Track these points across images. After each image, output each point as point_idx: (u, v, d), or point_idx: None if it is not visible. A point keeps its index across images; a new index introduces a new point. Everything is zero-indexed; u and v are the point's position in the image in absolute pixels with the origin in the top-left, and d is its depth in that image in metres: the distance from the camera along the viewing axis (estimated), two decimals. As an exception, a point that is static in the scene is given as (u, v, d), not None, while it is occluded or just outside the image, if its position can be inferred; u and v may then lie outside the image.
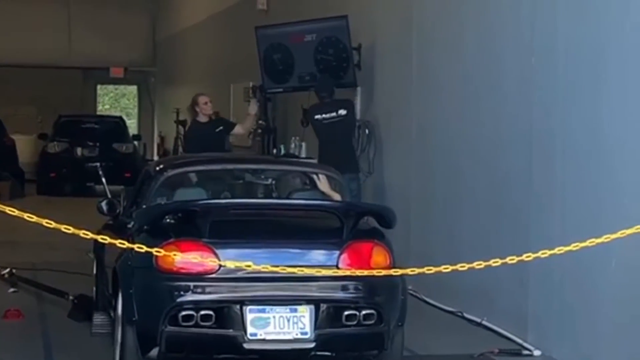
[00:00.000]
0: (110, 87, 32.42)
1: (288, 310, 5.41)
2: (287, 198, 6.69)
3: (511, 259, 4.88)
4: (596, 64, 6.41)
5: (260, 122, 14.07)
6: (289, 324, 5.39)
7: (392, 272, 5.41)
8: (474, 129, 8.16)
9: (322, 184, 6.84)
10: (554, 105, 6.90)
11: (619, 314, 6.11)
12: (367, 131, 10.28)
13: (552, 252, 4.88)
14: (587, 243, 4.85)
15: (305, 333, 5.39)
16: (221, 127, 10.90)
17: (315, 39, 10.77)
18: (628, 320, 6.01)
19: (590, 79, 6.49)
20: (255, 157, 10.80)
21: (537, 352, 6.85)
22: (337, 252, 5.55)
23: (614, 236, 4.83)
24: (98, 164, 10.90)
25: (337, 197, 6.65)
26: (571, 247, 4.86)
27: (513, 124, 7.49)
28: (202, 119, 10.78)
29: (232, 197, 6.78)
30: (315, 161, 9.50)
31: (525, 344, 6.97)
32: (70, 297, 7.89)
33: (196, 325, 5.32)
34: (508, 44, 7.61)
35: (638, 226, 4.82)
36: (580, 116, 6.60)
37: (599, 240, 4.84)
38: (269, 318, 5.38)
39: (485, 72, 7.99)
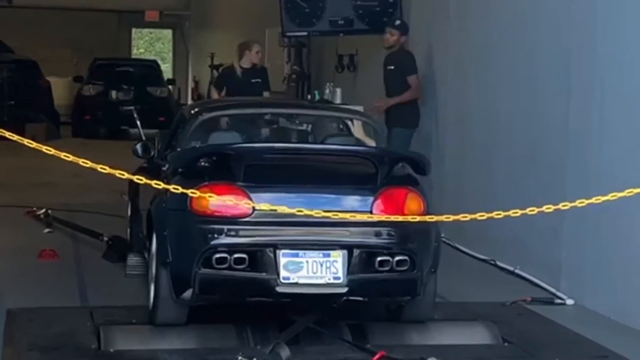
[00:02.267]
0: (145, 31, 32.45)
1: (321, 254, 5.41)
2: (322, 143, 6.67)
3: (548, 208, 4.85)
4: (638, 7, 6.29)
5: (294, 67, 14.03)
6: (322, 269, 5.40)
7: (426, 218, 5.40)
8: (511, 76, 8.06)
9: (357, 129, 6.81)
10: (593, 52, 6.80)
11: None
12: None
13: (589, 201, 4.84)
14: (624, 193, 4.80)
15: (338, 278, 5.40)
16: (259, 80, 10.60)
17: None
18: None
19: (633, 24, 6.38)
20: (289, 101, 10.75)
21: (570, 301, 6.84)
22: (371, 198, 5.53)
23: (650, 186, 4.78)
24: (133, 107, 10.90)
25: (371, 142, 6.62)
26: (608, 197, 4.82)
27: (551, 70, 7.39)
28: (246, 64, 10.48)
29: (267, 141, 6.77)
30: (350, 107, 9.44)
31: (558, 293, 6.96)
32: (105, 238, 7.96)
33: (229, 268, 5.34)
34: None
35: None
36: (619, 65, 6.50)
37: (636, 190, 4.79)
38: (302, 262, 5.39)
39: (522, 18, 7.87)
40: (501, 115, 8.22)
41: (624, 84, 6.45)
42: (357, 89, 11.81)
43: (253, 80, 10.38)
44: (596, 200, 4.83)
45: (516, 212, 4.87)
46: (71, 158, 4.71)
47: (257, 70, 10.59)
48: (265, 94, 10.47)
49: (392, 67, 9.26)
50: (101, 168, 4.66)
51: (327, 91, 11.40)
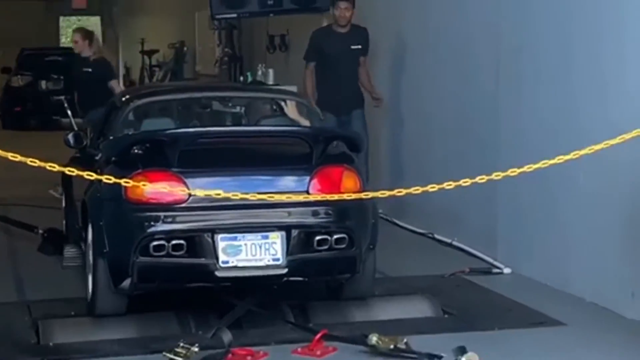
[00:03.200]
0: (73, 18, 31.91)
1: (259, 237, 5.41)
2: (255, 125, 6.65)
3: (481, 179, 4.89)
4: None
5: (226, 50, 13.96)
6: (261, 251, 5.40)
7: (362, 195, 5.43)
8: (443, 49, 8.12)
9: (291, 110, 6.80)
10: (523, 19, 6.87)
11: (586, 230, 6.18)
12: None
13: (520, 170, 4.90)
14: (555, 160, 4.87)
15: (277, 259, 5.40)
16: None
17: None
18: (595, 235, 6.08)
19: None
20: (222, 84, 10.70)
21: (507, 270, 6.93)
22: (307, 178, 5.54)
23: (581, 152, 4.85)
24: (63, 97, 10.75)
25: (305, 122, 6.62)
26: (540, 165, 4.88)
27: (481, 44, 7.46)
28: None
29: (200, 126, 6.73)
30: (283, 87, 9.43)
31: (495, 263, 7.05)
32: (40, 231, 7.86)
33: (168, 255, 5.31)
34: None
35: (606, 142, 4.84)
36: (550, 36, 6.58)
37: (567, 157, 4.86)
38: (240, 245, 5.38)
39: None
40: (434, 89, 8.28)
41: (555, 55, 6.53)
42: (290, 69, 11.77)
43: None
44: (528, 168, 4.89)
45: (450, 185, 4.90)
46: (0, 152, 4.62)
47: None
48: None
49: (360, 46, 8.59)
50: (31, 161, 4.59)
51: (259, 72, 11.36)
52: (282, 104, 6.90)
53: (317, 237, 5.45)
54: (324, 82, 8.54)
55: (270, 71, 11.14)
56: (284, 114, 6.83)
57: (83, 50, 9.79)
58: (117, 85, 10.02)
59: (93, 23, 31.65)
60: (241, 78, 12.59)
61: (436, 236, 7.96)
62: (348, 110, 8.47)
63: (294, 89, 9.32)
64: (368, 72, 8.70)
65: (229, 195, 4.99)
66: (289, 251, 5.41)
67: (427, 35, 8.39)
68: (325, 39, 8.63)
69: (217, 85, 9.55)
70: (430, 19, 8.33)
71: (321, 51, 8.57)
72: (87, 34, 9.99)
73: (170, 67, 18.15)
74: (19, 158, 4.57)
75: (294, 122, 6.65)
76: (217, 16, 11.70)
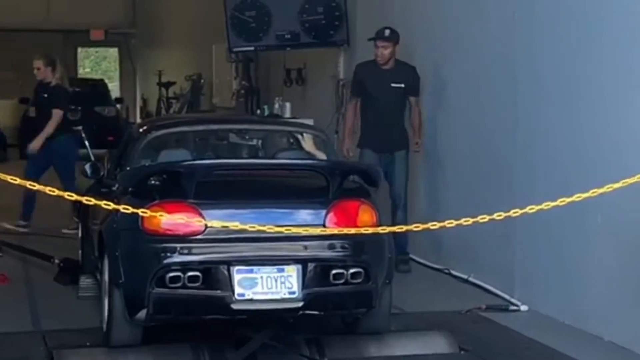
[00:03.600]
0: (91, 50, 32.19)
1: (275, 270, 5.39)
2: (272, 158, 6.66)
3: (498, 215, 4.88)
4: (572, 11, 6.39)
5: (243, 82, 14.01)
6: (277, 284, 5.38)
7: (378, 229, 5.41)
8: (456, 83, 8.13)
9: (307, 143, 6.81)
10: (537, 58, 6.88)
11: (605, 269, 6.13)
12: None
13: (539, 207, 4.88)
14: (573, 198, 4.86)
15: (293, 292, 5.38)
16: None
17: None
18: (613, 274, 6.03)
19: (572, 28, 6.47)
20: (239, 117, 10.73)
21: (524, 307, 6.89)
22: (324, 211, 5.53)
23: (600, 191, 4.83)
24: (81, 127, 10.82)
25: (322, 156, 6.62)
26: (558, 202, 4.86)
27: (496, 78, 7.46)
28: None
29: (217, 158, 6.74)
30: (300, 121, 9.45)
31: (512, 300, 7.01)
32: (56, 261, 7.86)
33: (183, 287, 5.30)
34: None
35: (624, 180, 4.82)
36: (565, 69, 6.59)
37: (585, 195, 4.84)
38: (256, 278, 5.37)
39: (466, 25, 7.94)
40: (449, 124, 8.28)
41: (567, 89, 6.53)
42: (306, 102, 11.82)
43: None
44: (545, 206, 4.87)
45: (467, 221, 4.89)
46: (18, 181, 4.64)
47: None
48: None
49: (402, 85, 8.21)
50: (49, 190, 4.60)
51: (276, 105, 11.40)
52: (299, 137, 6.91)
53: (334, 271, 5.43)
54: (365, 118, 8.34)
55: (287, 104, 11.18)
56: (300, 147, 6.84)
57: (46, 77, 9.84)
58: (58, 115, 9.79)
59: (111, 54, 31.94)
60: (258, 111, 12.62)
61: (452, 272, 7.93)
62: (390, 150, 8.22)
63: (310, 122, 9.34)
64: (419, 116, 8.30)
65: (246, 227, 4.99)
66: (304, 284, 5.39)
67: (442, 65, 8.39)
68: (367, 74, 8.34)
69: (234, 118, 9.57)
70: (445, 49, 8.33)
71: (363, 86, 8.32)
72: (50, 61, 10.04)
73: (187, 99, 18.22)
74: (37, 187, 4.59)
75: (310, 156, 6.65)
76: (235, 49, 11.77)
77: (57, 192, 4.59)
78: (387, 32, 8.15)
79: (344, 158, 8.11)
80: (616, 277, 6.00)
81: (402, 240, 7.95)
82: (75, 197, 4.78)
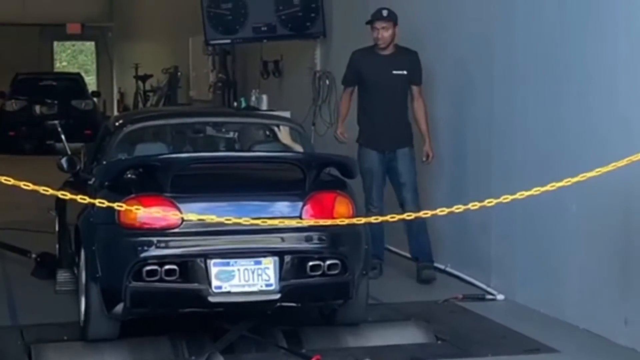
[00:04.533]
0: (68, 43, 32.03)
1: (252, 262, 5.41)
2: (249, 150, 6.66)
3: (473, 205, 4.90)
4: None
5: (219, 75, 14.00)
6: (254, 276, 5.39)
7: (354, 220, 5.43)
8: (435, 73, 8.14)
9: (284, 135, 6.81)
10: (514, 45, 6.91)
11: (580, 257, 6.18)
12: (327, 82, 10.26)
13: (513, 197, 4.91)
14: (547, 187, 4.88)
15: (270, 285, 5.40)
16: None
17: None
18: (588, 263, 6.08)
19: (552, 16, 6.50)
20: (215, 110, 10.72)
21: (500, 297, 6.93)
22: (300, 203, 5.55)
23: (574, 179, 4.86)
24: (57, 121, 10.78)
25: (298, 148, 6.64)
26: (532, 192, 4.89)
27: (475, 68, 7.49)
28: None
29: (194, 151, 6.74)
30: (276, 113, 9.45)
31: (488, 289, 7.05)
32: (33, 256, 7.84)
33: (160, 280, 5.31)
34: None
35: (598, 169, 4.86)
36: (540, 63, 6.62)
37: (559, 184, 4.87)
38: (233, 271, 5.38)
39: (444, 16, 7.96)
40: (431, 111, 8.28)
41: (545, 79, 6.57)
42: (283, 94, 11.83)
43: None
44: (520, 195, 4.90)
45: (443, 211, 4.91)
46: (-5, 176, 4.62)
47: None
48: None
49: (404, 72, 7.46)
50: (24, 185, 4.59)
51: (253, 98, 11.40)
52: (276, 129, 6.92)
53: (310, 263, 5.45)
54: (363, 112, 7.55)
55: (264, 97, 11.18)
56: (277, 140, 6.85)
57: None
58: None
59: (88, 48, 31.80)
60: (235, 103, 12.63)
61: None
62: (392, 147, 7.44)
63: (287, 114, 9.35)
64: (425, 108, 7.51)
65: (222, 220, 4.99)
66: (281, 277, 5.41)
67: (424, 57, 8.40)
68: (364, 61, 7.53)
69: (211, 111, 9.58)
70: (422, 39, 8.32)
71: (360, 75, 7.53)
72: None
73: (164, 92, 18.19)
74: (12, 182, 4.57)
75: (287, 148, 6.66)
76: (211, 42, 11.76)
77: (31, 186, 4.58)
78: (384, 12, 7.41)
79: (339, 142, 7.69)
80: (591, 266, 6.05)
81: (424, 248, 7.48)
82: (50, 191, 4.76)
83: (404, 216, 5.18)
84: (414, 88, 7.50)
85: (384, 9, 7.48)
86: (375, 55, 7.50)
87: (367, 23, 7.55)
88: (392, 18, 7.43)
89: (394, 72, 7.41)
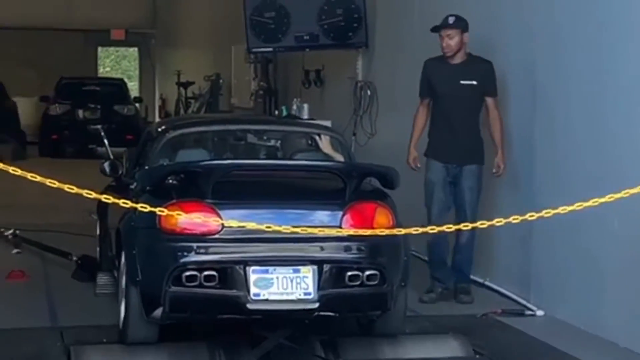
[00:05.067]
0: (111, 49, 32.30)
1: (291, 270, 5.41)
2: (290, 158, 6.68)
3: (515, 219, 4.88)
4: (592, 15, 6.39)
5: (261, 83, 14.05)
6: (292, 285, 5.39)
7: (394, 231, 5.42)
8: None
9: (325, 144, 6.82)
10: (557, 61, 6.87)
11: (621, 274, 6.12)
12: (368, 92, 10.27)
13: (555, 211, 4.88)
14: (590, 203, 4.85)
15: (309, 293, 5.39)
16: None
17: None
18: (630, 280, 6.02)
19: (595, 34, 6.46)
20: (257, 117, 10.77)
21: (540, 312, 6.88)
22: (340, 213, 5.54)
23: (617, 196, 4.83)
24: (100, 126, 10.86)
25: (339, 157, 6.64)
26: (574, 207, 4.86)
27: (516, 83, 7.45)
28: None
29: (235, 158, 6.77)
30: (318, 122, 9.46)
31: (528, 304, 7.00)
32: (74, 258, 7.91)
33: (200, 286, 5.33)
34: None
35: (641, 186, 4.82)
36: (584, 71, 6.58)
37: (602, 200, 4.84)
38: (272, 278, 5.39)
39: (487, 28, 7.92)
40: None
41: (587, 93, 6.52)
42: (325, 104, 11.85)
43: None
44: (562, 210, 4.87)
45: (484, 224, 4.90)
46: (38, 178, 4.68)
47: None
48: None
49: (473, 82, 7.11)
50: (68, 188, 4.64)
51: (294, 107, 11.44)
52: (317, 138, 6.93)
53: (349, 273, 5.45)
54: (433, 123, 7.24)
55: (305, 106, 11.22)
56: (318, 149, 6.86)
57: None
58: None
59: (131, 54, 32.06)
60: (276, 112, 12.67)
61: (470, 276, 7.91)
62: (457, 161, 7.10)
63: (328, 124, 9.36)
64: (500, 120, 7.08)
65: (262, 227, 5.01)
66: (320, 286, 5.40)
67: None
68: (434, 70, 7.23)
69: (252, 118, 9.61)
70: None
71: (430, 85, 7.23)
72: None
73: (206, 99, 18.28)
74: (57, 185, 4.62)
75: (327, 157, 6.67)
76: (253, 50, 11.82)
77: (75, 189, 4.62)
78: (451, 19, 7.06)
79: (411, 169, 7.26)
80: (633, 284, 5.99)
81: (464, 265, 7.18)
82: (94, 195, 4.80)
83: (444, 228, 5.13)
84: (488, 100, 7.11)
85: (452, 15, 7.13)
86: (445, 64, 7.18)
87: (433, 30, 7.24)
88: (459, 25, 7.09)
89: (462, 82, 7.07)
